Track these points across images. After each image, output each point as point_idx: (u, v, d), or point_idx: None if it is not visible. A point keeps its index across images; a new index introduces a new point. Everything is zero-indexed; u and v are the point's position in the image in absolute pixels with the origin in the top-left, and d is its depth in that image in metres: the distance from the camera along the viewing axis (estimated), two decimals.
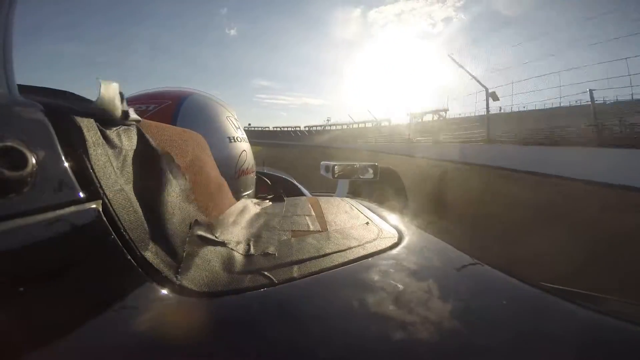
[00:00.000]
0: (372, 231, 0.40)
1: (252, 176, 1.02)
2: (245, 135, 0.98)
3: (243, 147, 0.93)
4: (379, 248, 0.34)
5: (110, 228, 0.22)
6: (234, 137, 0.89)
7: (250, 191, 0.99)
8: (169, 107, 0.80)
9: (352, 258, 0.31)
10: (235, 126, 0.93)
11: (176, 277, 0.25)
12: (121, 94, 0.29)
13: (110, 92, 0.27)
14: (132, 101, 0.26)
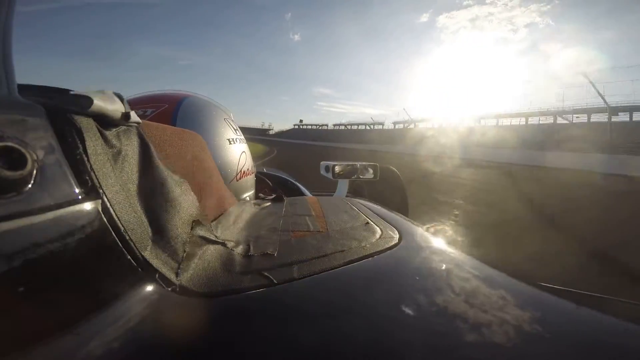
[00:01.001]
0: (372, 231, 0.40)
1: (253, 177, 1.02)
2: (243, 136, 0.98)
3: (242, 148, 0.93)
4: (379, 248, 0.34)
5: (110, 228, 0.22)
6: (232, 139, 0.89)
7: (251, 192, 0.99)
8: (166, 111, 0.80)
9: (352, 258, 0.31)
10: (233, 128, 0.93)
11: (176, 277, 0.25)
12: (120, 96, 0.29)
13: (108, 95, 0.27)
14: (129, 104, 0.27)
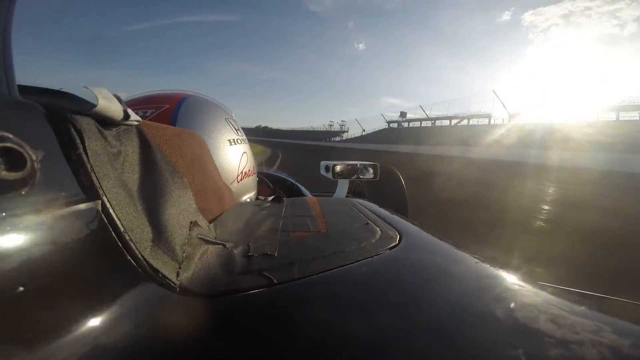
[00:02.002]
0: (372, 231, 0.40)
1: (254, 178, 1.02)
2: (244, 137, 0.98)
3: (243, 148, 0.93)
4: (380, 248, 0.34)
5: (110, 228, 0.22)
6: (234, 140, 0.89)
7: (253, 193, 0.99)
8: (166, 111, 0.79)
9: (352, 258, 0.31)
10: (234, 128, 0.93)
11: (176, 277, 0.25)
12: (118, 97, 0.29)
13: (106, 95, 0.27)
14: (129, 105, 0.27)
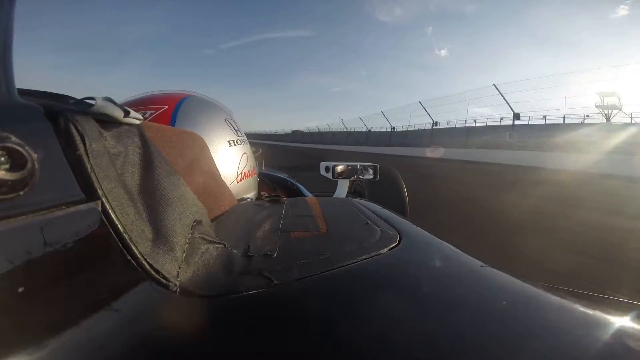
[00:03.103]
0: (372, 232, 0.40)
1: (254, 178, 1.02)
2: (245, 137, 0.98)
3: (244, 149, 0.93)
4: (379, 249, 0.34)
5: (110, 228, 0.22)
6: (233, 141, 0.89)
7: (253, 193, 0.99)
8: (165, 113, 0.79)
9: (352, 259, 0.31)
10: (234, 128, 0.93)
11: (176, 277, 0.25)
12: (112, 100, 0.29)
13: (106, 99, 0.27)
14: (128, 106, 0.27)
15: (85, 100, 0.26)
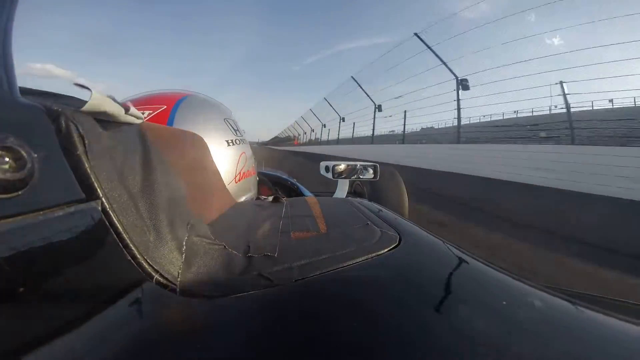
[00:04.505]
0: (372, 232, 0.40)
1: (254, 178, 1.01)
2: (244, 137, 0.98)
3: (242, 149, 0.93)
4: (379, 249, 0.34)
5: (110, 228, 0.23)
6: (232, 140, 0.89)
7: (252, 193, 0.99)
8: (163, 113, 0.79)
9: (352, 259, 0.31)
10: (233, 128, 0.92)
11: (176, 277, 0.25)
12: (112, 97, 0.29)
13: (107, 97, 0.27)
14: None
15: (86, 99, 0.26)
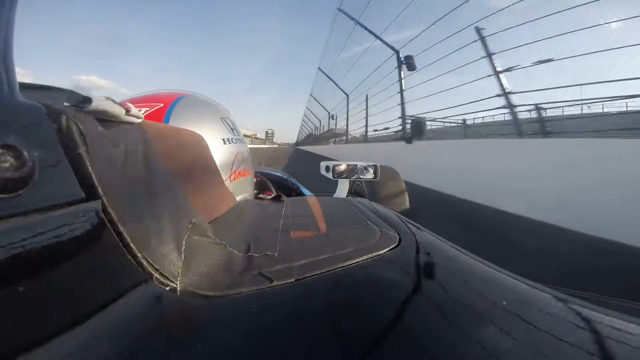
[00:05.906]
0: (372, 232, 0.40)
1: (250, 178, 1.02)
2: (242, 136, 0.98)
3: (239, 148, 0.93)
4: (380, 249, 0.34)
5: (110, 228, 0.22)
6: (228, 139, 0.89)
7: (247, 194, 0.99)
8: (160, 110, 0.80)
9: (352, 259, 0.31)
10: (230, 127, 0.93)
11: (176, 277, 0.25)
12: (111, 99, 0.29)
13: (107, 97, 0.27)
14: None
15: (85, 95, 0.26)
